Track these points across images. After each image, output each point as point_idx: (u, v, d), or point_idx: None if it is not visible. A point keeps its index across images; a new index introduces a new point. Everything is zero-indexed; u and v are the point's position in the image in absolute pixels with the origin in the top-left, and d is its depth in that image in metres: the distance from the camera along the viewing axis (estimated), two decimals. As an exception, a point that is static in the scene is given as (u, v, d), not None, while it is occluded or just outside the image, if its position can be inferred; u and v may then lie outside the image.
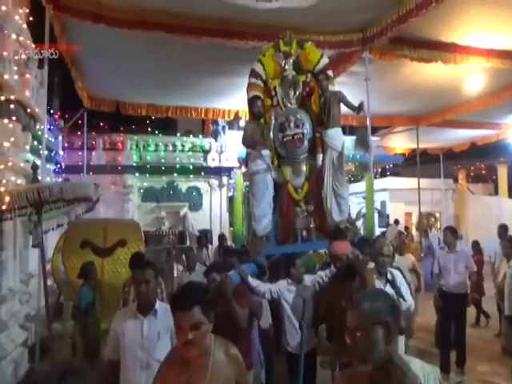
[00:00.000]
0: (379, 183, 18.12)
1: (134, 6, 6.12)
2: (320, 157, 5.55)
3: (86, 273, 4.67)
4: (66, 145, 11.89)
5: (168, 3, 6.07)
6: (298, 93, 5.67)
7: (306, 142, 5.46)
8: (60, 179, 10.02)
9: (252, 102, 5.53)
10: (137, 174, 13.01)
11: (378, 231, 15.25)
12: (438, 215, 17.82)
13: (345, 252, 3.70)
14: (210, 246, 9.60)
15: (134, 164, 12.98)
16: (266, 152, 5.41)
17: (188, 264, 5.76)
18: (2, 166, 4.32)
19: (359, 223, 13.33)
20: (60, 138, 10.74)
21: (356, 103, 8.12)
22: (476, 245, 8.46)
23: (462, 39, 7.46)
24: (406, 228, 13.62)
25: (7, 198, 4.00)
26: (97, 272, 4.94)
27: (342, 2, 6.15)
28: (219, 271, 3.71)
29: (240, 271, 3.88)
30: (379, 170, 17.45)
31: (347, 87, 8.64)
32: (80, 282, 4.67)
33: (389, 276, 3.70)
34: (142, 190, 13.19)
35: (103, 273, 5.20)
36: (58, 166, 10.54)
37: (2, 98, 4.23)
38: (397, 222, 13.65)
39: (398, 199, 17.22)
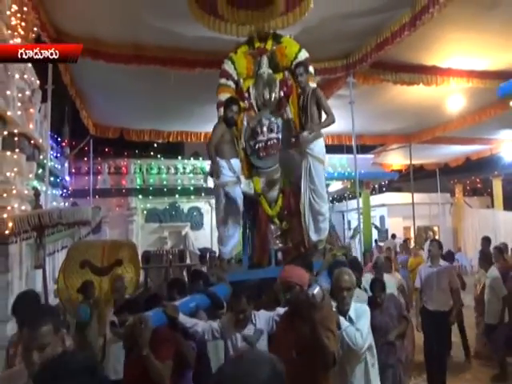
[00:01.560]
0: (377, 199, 18.49)
1: (129, 42, 6.63)
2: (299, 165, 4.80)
3: (85, 290, 5.04)
4: (73, 170, 12.47)
5: (159, 38, 6.53)
6: (274, 94, 4.92)
7: (282, 149, 4.85)
8: (67, 203, 10.48)
9: (226, 105, 4.74)
10: (140, 196, 13.54)
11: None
12: (436, 229, 18.05)
13: (296, 280, 2.76)
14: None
15: (138, 187, 13.54)
16: (235, 161, 4.67)
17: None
18: (5, 195, 4.74)
19: (356, 240, 13.67)
20: (66, 164, 11.26)
21: (344, 125, 8.64)
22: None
23: (443, 62, 7.89)
24: (406, 241, 13.83)
25: (10, 224, 4.43)
26: (95, 290, 5.30)
27: (325, 31, 6.56)
28: (133, 310, 2.98)
29: (168, 309, 2.89)
30: (376, 186, 17.74)
31: (335, 110, 9.06)
32: (79, 300, 5.04)
33: (351, 313, 3.00)
34: (145, 212, 13.67)
35: (101, 291, 5.56)
36: (65, 190, 11.04)
37: (6, 132, 4.68)
38: (394, 236, 13.92)
39: (396, 214, 17.51)
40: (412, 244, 15.78)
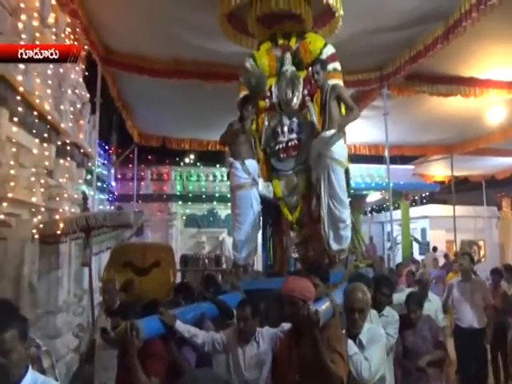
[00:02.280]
0: (419, 210, 18.11)
1: (170, 58, 7.09)
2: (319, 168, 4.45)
3: (127, 288, 5.43)
4: (119, 176, 13.21)
5: (197, 54, 6.94)
6: (297, 92, 4.66)
7: (302, 150, 4.55)
8: (113, 207, 11.13)
9: (241, 104, 4.57)
10: (180, 202, 14.12)
11: (419, 258, 15.35)
12: (481, 243, 17.41)
13: (298, 294, 2.48)
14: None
15: (178, 193, 14.12)
16: (251, 162, 4.44)
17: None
18: (58, 198, 5.24)
19: (396, 251, 13.46)
20: (112, 170, 11.98)
21: (381, 135, 8.69)
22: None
23: (481, 73, 7.77)
24: (446, 256, 13.50)
25: (61, 225, 4.89)
26: (136, 288, 5.70)
27: (357, 45, 6.67)
28: (127, 315, 2.75)
29: (164, 316, 2.70)
30: (416, 197, 17.44)
31: (371, 120, 9.25)
32: (122, 297, 5.44)
33: (362, 337, 2.66)
34: (184, 217, 14.22)
35: (141, 289, 5.95)
36: (111, 195, 11.74)
37: (59, 142, 5.19)
38: (435, 249, 13.64)
39: (439, 226, 17.07)
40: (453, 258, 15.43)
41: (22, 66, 3.85)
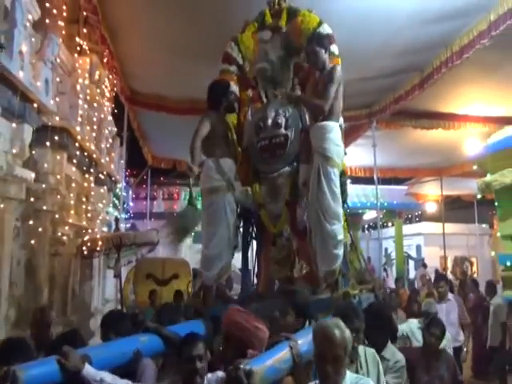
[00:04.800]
0: (414, 228, 19.09)
1: (186, 98, 8.15)
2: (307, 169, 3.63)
3: (152, 297, 6.44)
4: (133, 196, 14.30)
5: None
6: (287, 81, 4.04)
7: (289, 149, 3.70)
8: (128, 225, 12.18)
9: (226, 91, 3.92)
10: (189, 220, 15.12)
11: (412, 274, 16.25)
12: (474, 260, 18.31)
13: (239, 333, 2.08)
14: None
15: (187, 211, 15.15)
16: (227, 162, 3.70)
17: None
18: (99, 221, 6.30)
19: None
20: (130, 192, 13.08)
21: (372, 160, 9.69)
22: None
23: (459, 109, 8.84)
24: (436, 271, 14.32)
25: (100, 242, 5.94)
26: (158, 297, 6.71)
27: (349, 89, 7.65)
28: (10, 359, 2.15)
29: (68, 357, 2.01)
30: (410, 216, 18.40)
31: (364, 147, 10.29)
32: (146, 304, 6.44)
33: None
34: (193, 233, 15.21)
35: (162, 298, 6.96)
36: (128, 213, 12.81)
37: (98, 173, 6.27)
38: (424, 265, 14.51)
39: (433, 243, 17.99)
40: (449, 275, 16.25)
41: (79, 118, 4.93)
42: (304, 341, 2.24)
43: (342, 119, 3.81)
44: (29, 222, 4.45)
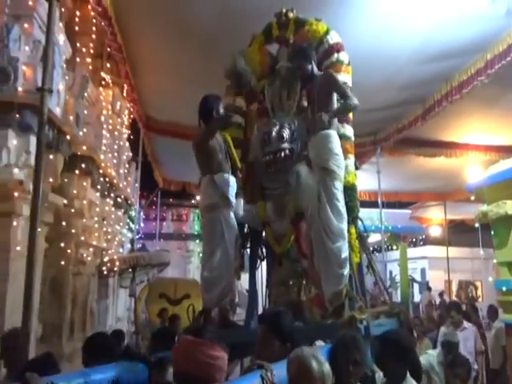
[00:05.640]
0: (419, 251, 19.21)
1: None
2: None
3: (162, 315, 6.70)
4: (143, 217, 14.65)
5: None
6: (295, 93, 3.88)
7: (295, 163, 3.56)
8: (139, 245, 12.49)
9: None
10: (197, 241, 15.48)
11: (417, 298, 16.35)
12: (478, 284, 18.37)
13: (196, 370, 1.59)
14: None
15: (196, 232, 15.52)
16: (222, 177, 3.51)
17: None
18: (116, 242, 6.63)
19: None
20: (141, 213, 13.46)
21: (376, 185, 10.03)
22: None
23: (460, 138, 9.20)
24: (441, 294, 14.39)
25: (117, 263, 6.25)
26: (167, 316, 6.96)
27: (357, 117, 8.09)
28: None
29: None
30: (414, 239, 18.58)
31: (369, 172, 10.60)
32: (158, 322, 6.70)
33: None
34: (201, 254, 15.46)
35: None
36: (138, 234, 13.15)
37: (117, 197, 6.63)
38: (429, 288, 14.60)
39: (438, 267, 18.08)
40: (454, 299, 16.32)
41: (103, 147, 5.31)
42: (281, 370, 1.96)
43: (351, 129, 3.84)
44: (55, 244, 4.79)
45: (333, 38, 3.85)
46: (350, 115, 3.77)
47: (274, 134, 3.64)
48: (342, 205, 3.25)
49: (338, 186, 3.26)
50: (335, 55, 3.82)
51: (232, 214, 3.57)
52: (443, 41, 5.49)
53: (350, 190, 3.49)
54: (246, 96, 4.11)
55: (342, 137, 3.57)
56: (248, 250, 4.00)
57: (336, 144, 3.35)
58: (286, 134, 3.64)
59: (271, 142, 3.65)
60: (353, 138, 3.79)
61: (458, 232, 18.92)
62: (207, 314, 3.56)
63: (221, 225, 3.48)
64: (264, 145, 3.69)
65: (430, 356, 3.98)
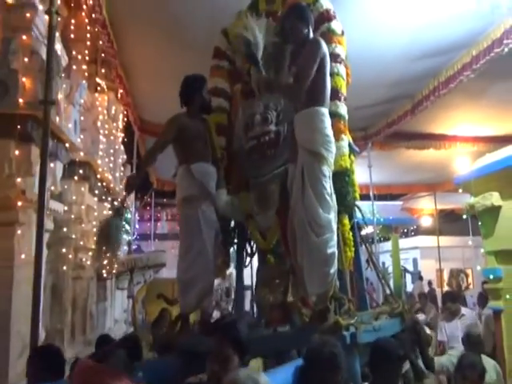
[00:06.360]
0: (410, 242, 19.52)
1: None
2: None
3: (164, 316, 6.77)
4: (138, 218, 14.67)
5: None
6: (283, 71, 3.37)
7: (282, 147, 3.17)
8: (134, 246, 12.53)
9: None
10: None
11: (410, 288, 16.62)
12: (469, 272, 18.73)
13: None
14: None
15: (190, 231, 15.55)
16: (202, 167, 3.18)
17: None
18: (114, 245, 6.69)
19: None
20: (136, 214, 13.49)
21: (367, 178, 10.18)
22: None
23: (449, 130, 9.41)
24: (429, 283, 14.65)
25: (116, 266, 6.31)
26: (169, 316, 7.05)
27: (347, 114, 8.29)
28: None
29: None
30: (406, 230, 18.87)
31: (361, 167, 10.75)
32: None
33: None
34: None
35: (171, 317, 7.31)
36: (134, 236, 13.18)
37: (113, 200, 6.68)
38: (421, 278, 14.89)
39: (429, 256, 18.40)
40: (446, 287, 16.63)
41: (100, 152, 5.37)
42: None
43: (344, 107, 3.27)
44: (55, 249, 4.85)
45: (323, 4, 3.37)
46: (344, 91, 3.27)
47: (257, 116, 3.25)
48: (328, 192, 2.80)
49: (326, 172, 2.81)
50: (325, 24, 3.31)
51: (212, 208, 3.19)
52: (430, 39, 5.64)
53: (342, 174, 3.06)
54: (230, 76, 3.67)
55: (334, 115, 3.08)
56: (235, 246, 3.60)
57: (326, 123, 2.86)
58: (272, 115, 3.25)
59: (255, 125, 3.28)
60: (346, 117, 3.31)
61: (449, 221, 19.29)
62: (184, 320, 3.18)
63: (198, 219, 3.12)
64: (247, 129, 3.31)
65: (451, 356, 3.80)
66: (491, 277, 5.14)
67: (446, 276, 17.81)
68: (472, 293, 15.40)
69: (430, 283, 14.14)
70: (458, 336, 4.54)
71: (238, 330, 2.17)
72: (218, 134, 3.52)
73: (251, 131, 3.29)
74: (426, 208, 17.48)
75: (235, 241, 3.59)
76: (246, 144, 3.32)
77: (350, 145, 3.34)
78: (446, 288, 16.80)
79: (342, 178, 3.08)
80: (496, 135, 9.47)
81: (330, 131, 2.88)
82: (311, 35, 3.04)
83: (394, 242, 16.26)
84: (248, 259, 3.65)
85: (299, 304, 2.88)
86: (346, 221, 3.10)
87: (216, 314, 6.34)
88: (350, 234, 3.09)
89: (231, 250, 3.63)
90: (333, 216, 2.80)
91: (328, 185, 2.81)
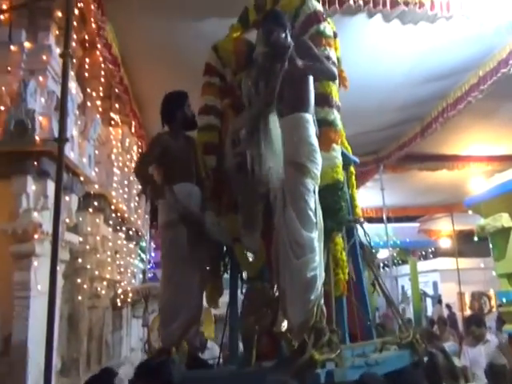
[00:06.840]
0: (430, 264, 19.12)
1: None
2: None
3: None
4: (154, 246, 14.76)
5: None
6: (272, 82, 2.92)
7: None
8: (150, 275, 12.61)
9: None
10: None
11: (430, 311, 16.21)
12: (491, 294, 18.20)
13: None
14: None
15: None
16: (183, 187, 2.99)
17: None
18: (128, 274, 6.79)
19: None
20: (152, 243, 13.62)
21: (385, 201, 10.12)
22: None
23: (461, 151, 9.37)
24: (448, 306, 14.23)
25: (131, 294, 6.39)
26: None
27: (357, 140, 8.27)
28: None
29: None
30: (424, 252, 18.56)
31: (375, 190, 10.75)
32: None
33: None
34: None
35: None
36: (150, 264, 13.28)
37: (128, 230, 6.82)
38: (440, 302, 14.53)
39: (450, 279, 17.95)
40: (468, 311, 16.16)
41: (114, 184, 5.52)
42: None
43: (335, 113, 2.93)
44: (71, 280, 4.95)
45: (310, 7, 3.11)
46: (335, 96, 2.98)
47: (243, 131, 2.97)
48: (312, 208, 2.50)
49: (309, 185, 2.52)
50: (314, 26, 3.04)
51: (197, 230, 2.93)
52: (433, 64, 5.74)
53: (334, 188, 2.76)
54: (221, 92, 3.46)
55: (323, 122, 2.84)
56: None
57: (310, 131, 2.61)
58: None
59: (241, 141, 3.01)
60: (339, 124, 2.98)
61: (468, 242, 18.76)
62: (165, 354, 2.82)
63: (181, 244, 2.88)
64: (234, 146, 3.04)
65: None
66: (504, 300, 4.99)
67: (467, 299, 17.38)
68: (494, 316, 14.90)
69: (448, 307, 13.74)
70: (482, 362, 4.17)
71: (170, 373, 1.99)
72: (207, 153, 3.29)
73: (238, 147, 3.03)
74: (443, 229, 17.18)
75: (228, 266, 3.29)
76: (233, 161, 3.06)
77: (346, 155, 3.09)
78: (467, 312, 16.35)
79: (334, 191, 2.78)
80: (510, 154, 9.40)
81: (314, 140, 2.61)
82: (289, 40, 2.81)
83: (413, 266, 16.05)
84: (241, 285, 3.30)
85: (288, 334, 2.51)
86: (339, 239, 2.79)
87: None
88: (343, 254, 2.77)
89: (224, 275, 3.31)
90: (316, 235, 2.50)
91: (312, 200, 2.52)
